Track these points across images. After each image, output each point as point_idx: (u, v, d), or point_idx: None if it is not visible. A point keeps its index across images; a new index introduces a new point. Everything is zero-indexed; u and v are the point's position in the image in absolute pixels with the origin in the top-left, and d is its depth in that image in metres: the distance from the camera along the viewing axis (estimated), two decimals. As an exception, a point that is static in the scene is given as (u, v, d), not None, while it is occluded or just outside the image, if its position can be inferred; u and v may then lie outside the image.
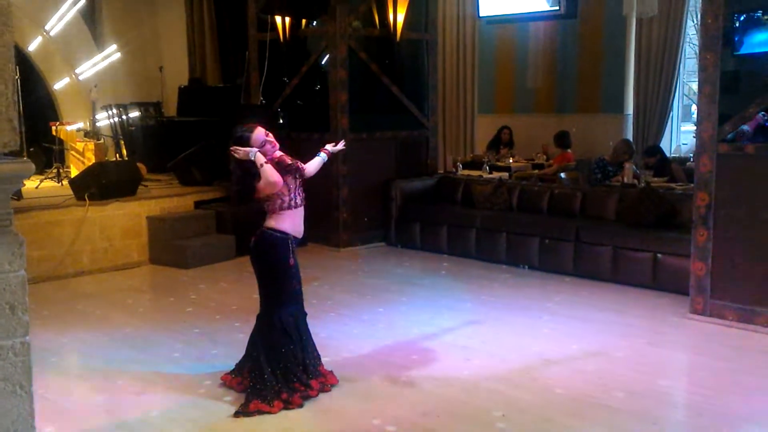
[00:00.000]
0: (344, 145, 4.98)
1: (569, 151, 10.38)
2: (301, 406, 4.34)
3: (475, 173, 9.79)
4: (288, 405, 4.31)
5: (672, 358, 5.41)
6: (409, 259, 8.47)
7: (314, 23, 9.60)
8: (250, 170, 4.30)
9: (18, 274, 2.23)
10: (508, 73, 12.70)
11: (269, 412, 4.24)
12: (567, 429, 4.08)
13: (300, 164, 4.51)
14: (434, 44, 10.04)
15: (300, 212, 4.49)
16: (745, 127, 5.96)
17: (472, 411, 4.31)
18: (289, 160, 4.46)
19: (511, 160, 10.71)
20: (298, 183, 4.48)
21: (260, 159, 4.28)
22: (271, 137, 4.46)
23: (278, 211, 4.41)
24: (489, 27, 12.49)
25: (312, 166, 4.69)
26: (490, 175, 9.60)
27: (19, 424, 2.20)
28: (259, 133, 4.41)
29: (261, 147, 4.35)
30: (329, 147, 4.86)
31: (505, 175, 9.83)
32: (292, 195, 4.43)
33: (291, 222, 4.44)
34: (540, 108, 12.37)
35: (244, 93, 10.27)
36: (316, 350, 4.66)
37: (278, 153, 4.48)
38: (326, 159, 4.80)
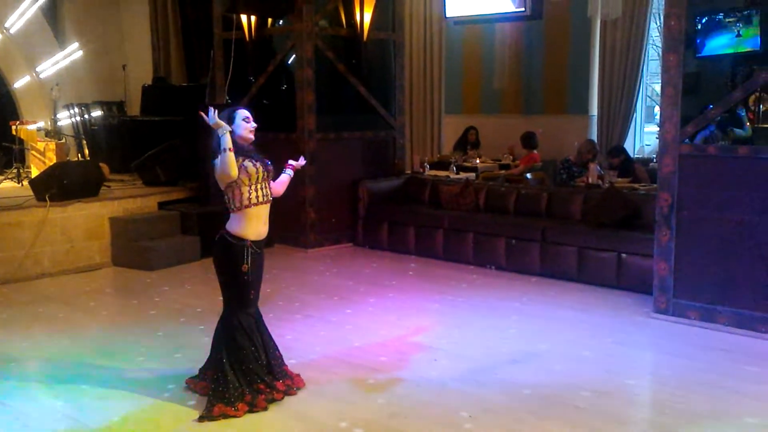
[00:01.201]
0: (305, 161, 4.85)
1: (536, 151, 10.47)
2: (265, 409, 4.29)
3: (442, 173, 9.81)
4: (252, 408, 4.26)
5: (637, 357, 5.47)
6: (377, 260, 8.46)
7: (280, 22, 9.54)
8: (216, 152, 4.24)
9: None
10: (474, 74, 12.76)
11: (234, 416, 4.19)
12: (534, 428, 4.09)
13: (270, 166, 4.46)
14: (401, 44, 10.05)
15: (261, 212, 4.38)
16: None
17: (439, 412, 4.31)
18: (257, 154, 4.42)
19: (478, 161, 10.76)
20: (261, 177, 4.37)
21: (227, 143, 4.15)
22: (251, 123, 4.39)
23: (237, 210, 4.33)
24: (456, 27, 12.53)
25: (280, 184, 4.62)
26: (457, 176, 9.63)
27: (-26, 433, 2.13)
28: (243, 111, 4.40)
29: (242, 121, 4.35)
30: (292, 162, 4.74)
31: (472, 175, 9.88)
32: (253, 188, 4.32)
33: (250, 224, 4.33)
34: (506, 108, 12.45)
35: (209, 92, 10.17)
36: (278, 350, 4.61)
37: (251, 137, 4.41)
38: (292, 175, 4.71)
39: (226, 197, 4.37)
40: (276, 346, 4.62)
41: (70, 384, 4.78)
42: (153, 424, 4.19)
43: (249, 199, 4.32)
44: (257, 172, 4.34)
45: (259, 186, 4.36)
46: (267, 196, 4.43)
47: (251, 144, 4.42)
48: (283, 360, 4.64)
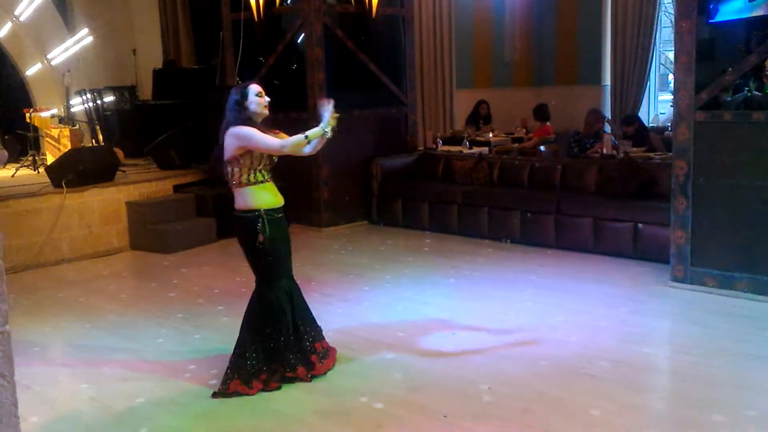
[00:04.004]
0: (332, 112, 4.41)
1: (548, 123, 10.40)
2: (278, 388, 4.32)
3: (455, 149, 9.78)
4: (266, 387, 4.30)
5: (654, 326, 5.46)
6: (392, 237, 8.47)
7: (288, 1, 9.50)
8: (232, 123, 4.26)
9: (-5, 263, 2.19)
10: (485, 47, 12.67)
11: (247, 394, 4.24)
12: (552, 399, 4.11)
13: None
14: (410, 19, 9.97)
15: (266, 187, 4.37)
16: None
17: (458, 385, 4.33)
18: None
19: (490, 135, 10.71)
20: (264, 163, 4.34)
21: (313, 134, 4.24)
22: (265, 97, 4.35)
23: (236, 186, 4.33)
24: (465, 0, 12.43)
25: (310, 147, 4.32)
26: (470, 151, 9.60)
27: (2, 414, 2.17)
28: (255, 86, 4.36)
29: (255, 96, 4.31)
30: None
31: (485, 150, 9.84)
32: (253, 170, 4.30)
33: (255, 196, 4.31)
34: (518, 81, 12.37)
35: (219, 74, 10.17)
36: (312, 324, 4.60)
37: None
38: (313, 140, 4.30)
39: (226, 170, 4.33)
40: (313, 319, 4.61)
41: (92, 367, 4.86)
42: (175, 404, 4.24)
43: (248, 179, 4.31)
44: (262, 160, 4.33)
45: (259, 169, 4.34)
46: (266, 177, 4.38)
47: (264, 120, 4.38)
48: (318, 335, 4.61)
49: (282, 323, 4.40)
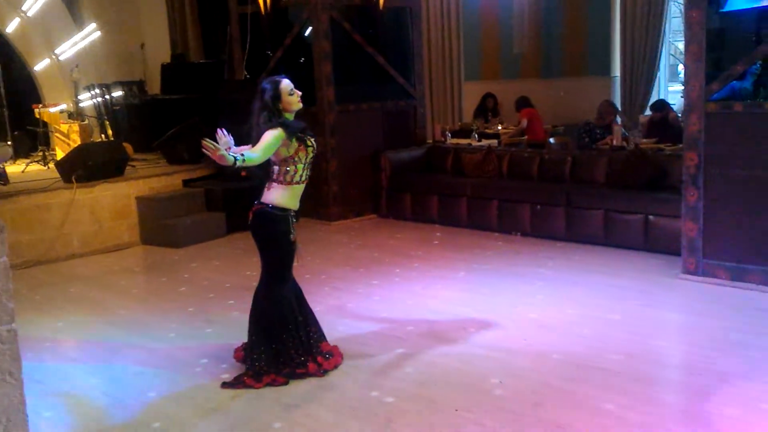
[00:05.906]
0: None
1: (531, 108, 10.46)
2: (286, 383, 4.32)
3: (464, 141, 9.74)
4: (273, 383, 4.30)
5: (666, 319, 5.43)
6: (401, 230, 8.46)
7: (295, -6, 9.47)
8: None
9: (0, 260, 2.19)
10: (493, 39, 12.61)
11: (253, 387, 4.27)
12: (564, 393, 4.10)
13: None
14: (418, 12, 9.94)
15: (303, 188, 4.39)
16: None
17: (469, 379, 4.32)
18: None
19: (499, 127, 10.66)
20: (312, 155, 4.35)
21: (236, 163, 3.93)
22: (296, 92, 4.31)
23: (285, 183, 4.27)
24: (472, -8, 12.37)
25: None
26: (479, 143, 9.56)
27: (10, 413, 2.18)
28: (285, 83, 4.29)
29: (289, 96, 4.26)
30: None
31: (494, 142, 9.80)
32: (307, 167, 4.31)
33: (292, 197, 4.33)
34: (526, 73, 12.31)
35: (227, 68, 10.16)
36: (316, 324, 4.62)
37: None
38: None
39: (275, 168, 4.29)
40: (316, 320, 4.63)
41: (104, 362, 4.87)
42: (187, 398, 4.25)
43: (301, 177, 4.31)
44: (314, 150, 4.32)
45: (309, 166, 4.34)
46: (309, 176, 4.41)
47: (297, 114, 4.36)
48: (321, 335, 4.63)
49: (291, 322, 4.41)
